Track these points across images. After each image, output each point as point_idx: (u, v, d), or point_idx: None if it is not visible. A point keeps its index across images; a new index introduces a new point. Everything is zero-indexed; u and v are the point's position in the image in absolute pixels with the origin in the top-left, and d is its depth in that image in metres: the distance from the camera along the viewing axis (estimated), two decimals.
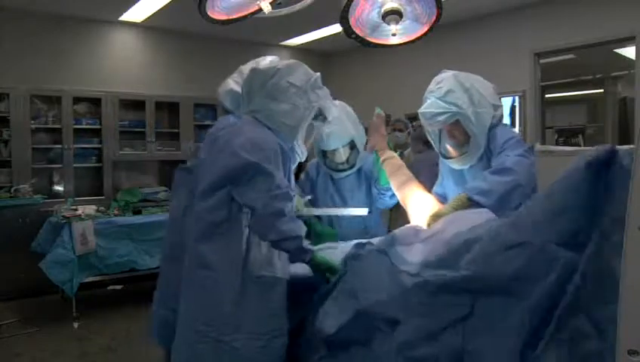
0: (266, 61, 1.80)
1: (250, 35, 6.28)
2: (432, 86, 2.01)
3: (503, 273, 1.18)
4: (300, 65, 1.76)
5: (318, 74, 1.78)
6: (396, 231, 1.69)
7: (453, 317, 1.23)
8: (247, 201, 1.55)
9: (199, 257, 1.58)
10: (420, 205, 1.87)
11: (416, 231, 1.68)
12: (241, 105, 1.77)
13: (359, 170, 2.41)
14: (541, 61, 5.15)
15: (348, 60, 7.02)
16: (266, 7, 1.87)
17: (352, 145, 2.31)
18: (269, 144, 1.60)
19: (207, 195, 1.60)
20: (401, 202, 1.95)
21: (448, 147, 2.06)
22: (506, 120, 5.35)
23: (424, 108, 1.99)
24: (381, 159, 2.11)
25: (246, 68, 1.90)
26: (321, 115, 1.83)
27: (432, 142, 2.13)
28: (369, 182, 2.42)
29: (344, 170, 2.36)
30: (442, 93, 1.94)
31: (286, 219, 1.54)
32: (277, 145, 1.62)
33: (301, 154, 1.82)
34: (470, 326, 1.21)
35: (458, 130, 1.97)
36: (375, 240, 1.68)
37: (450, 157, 2.06)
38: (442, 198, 2.16)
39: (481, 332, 1.18)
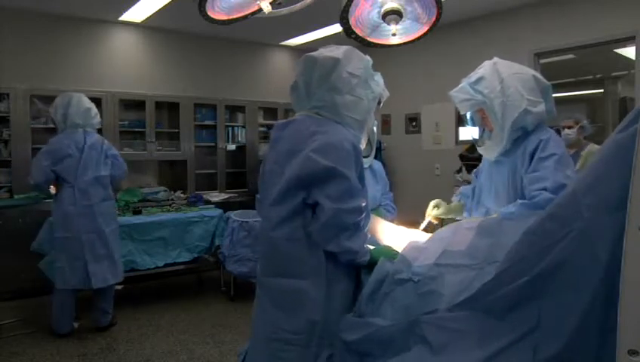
0: (325, 51, 1.63)
1: (250, 35, 6.29)
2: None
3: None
4: (353, 50, 1.61)
5: (370, 58, 1.64)
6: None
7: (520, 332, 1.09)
8: (316, 202, 1.46)
9: (279, 266, 1.52)
10: (390, 235, 1.80)
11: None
12: (299, 101, 1.63)
13: (371, 168, 2.41)
14: (541, 61, 5.15)
15: None
16: (266, 7, 1.88)
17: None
18: (344, 144, 1.48)
19: (279, 203, 1.49)
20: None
21: (474, 133, 2.06)
22: None
23: (454, 92, 1.99)
24: None
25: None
26: (378, 104, 1.74)
27: (466, 124, 2.12)
28: (383, 181, 2.48)
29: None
30: (474, 79, 1.91)
31: (349, 234, 1.45)
32: (352, 145, 1.49)
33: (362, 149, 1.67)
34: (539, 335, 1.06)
35: (485, 118, 1.95)
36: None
37: (477, 144, 2.07)
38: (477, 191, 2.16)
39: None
